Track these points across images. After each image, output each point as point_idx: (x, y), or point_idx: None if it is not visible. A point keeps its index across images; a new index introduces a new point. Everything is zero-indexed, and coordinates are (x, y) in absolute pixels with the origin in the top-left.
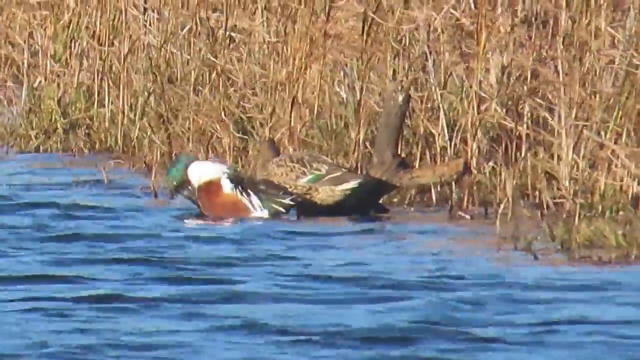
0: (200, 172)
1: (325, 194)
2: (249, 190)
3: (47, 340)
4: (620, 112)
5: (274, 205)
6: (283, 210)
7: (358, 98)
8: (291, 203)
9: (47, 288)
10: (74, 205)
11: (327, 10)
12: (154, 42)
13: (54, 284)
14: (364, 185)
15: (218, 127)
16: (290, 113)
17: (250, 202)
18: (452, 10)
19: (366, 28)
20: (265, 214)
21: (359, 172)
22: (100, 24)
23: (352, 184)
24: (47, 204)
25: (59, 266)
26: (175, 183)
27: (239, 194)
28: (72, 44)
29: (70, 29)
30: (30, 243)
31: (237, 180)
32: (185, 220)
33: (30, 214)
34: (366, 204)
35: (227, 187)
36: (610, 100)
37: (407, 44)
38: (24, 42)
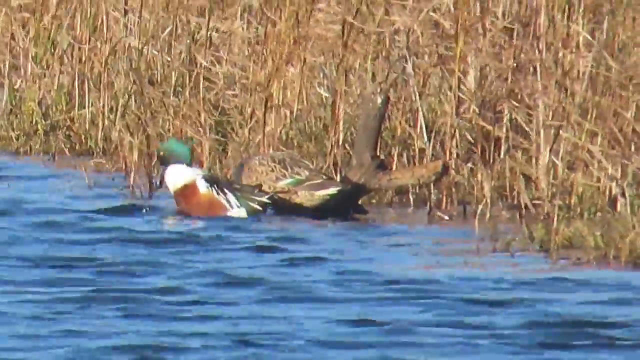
0: (175, 177)
1: (304, 198)
2: (224, 189)
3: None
4: (595, 113)
5: (250, 203)
6: (260, 208)
7: (334, 100)
8: (267, 201)
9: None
10: (58, 208)
11: (307, 12)
12: (135, 44)
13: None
14: (343, 191)
15: (200, 130)
16: (264, 114)
17: (227, 200)
18: (431, 13)
19: (346, 32)
20: (242, 212)
21: (337, 174)
22: (81, 27)
23: (331, 190)
24: (29, 207)
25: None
26: (165, 154)
27: (214, 192)
28: (53, 46)
29: (52, 31)
30: (27, 247)
31: (213, 180)
32: (168, 222)
33: (12, 218)
34: (345, 206)
35: (202, 186)
36: (588, 103)
37: (385, 46)
38: (5, 44)
